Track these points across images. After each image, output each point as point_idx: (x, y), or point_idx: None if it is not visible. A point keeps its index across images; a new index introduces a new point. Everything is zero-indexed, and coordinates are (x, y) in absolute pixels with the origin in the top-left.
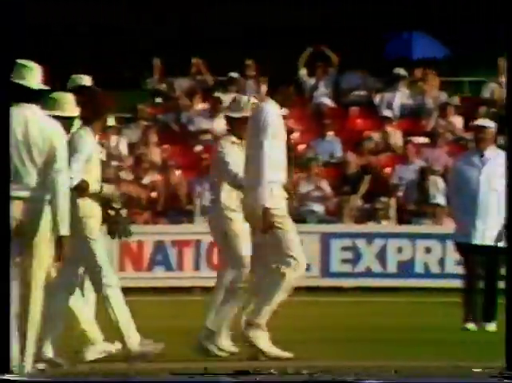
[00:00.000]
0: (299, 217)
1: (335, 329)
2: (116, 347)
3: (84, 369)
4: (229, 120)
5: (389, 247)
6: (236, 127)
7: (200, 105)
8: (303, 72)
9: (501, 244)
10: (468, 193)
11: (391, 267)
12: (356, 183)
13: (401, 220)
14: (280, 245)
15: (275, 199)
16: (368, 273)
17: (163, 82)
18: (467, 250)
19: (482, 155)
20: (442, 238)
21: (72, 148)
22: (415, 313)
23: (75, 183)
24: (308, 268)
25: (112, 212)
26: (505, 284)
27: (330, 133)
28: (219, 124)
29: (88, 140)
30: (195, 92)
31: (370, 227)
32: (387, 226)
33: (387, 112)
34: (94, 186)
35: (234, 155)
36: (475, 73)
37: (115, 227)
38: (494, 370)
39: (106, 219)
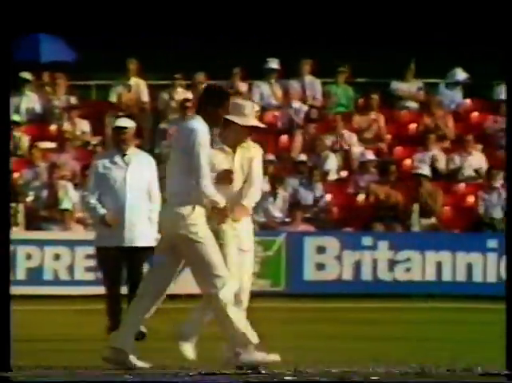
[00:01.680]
0: None
1: None
2: None
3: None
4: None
5: (18, 254)
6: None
7: None
8: None
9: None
10: (113, 194)
11: (21, 274)
12: None
13: (30, 226)
14: None
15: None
16: None
17: None
18: (111, 254)
19: (124, 155)
20: (71, 244)
21: None
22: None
23: None
24: None
25: None
26: (505, 285)
27: None
28: None
29: None
30: None
31: None
32: (16, 232)
33: (15, 117)
34: None
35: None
36: (104, 76)
37: None
38: (494, 371)
39: None
